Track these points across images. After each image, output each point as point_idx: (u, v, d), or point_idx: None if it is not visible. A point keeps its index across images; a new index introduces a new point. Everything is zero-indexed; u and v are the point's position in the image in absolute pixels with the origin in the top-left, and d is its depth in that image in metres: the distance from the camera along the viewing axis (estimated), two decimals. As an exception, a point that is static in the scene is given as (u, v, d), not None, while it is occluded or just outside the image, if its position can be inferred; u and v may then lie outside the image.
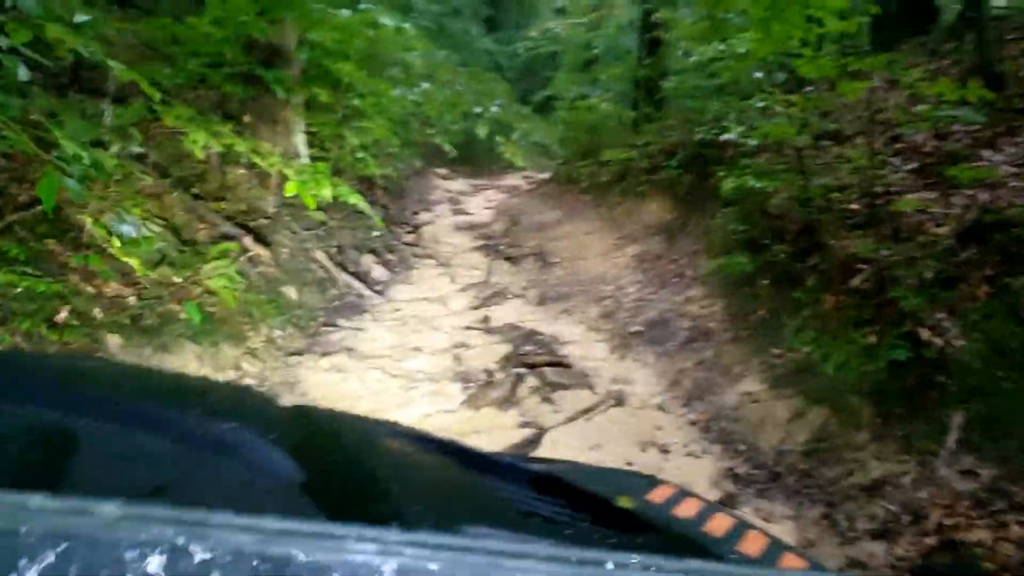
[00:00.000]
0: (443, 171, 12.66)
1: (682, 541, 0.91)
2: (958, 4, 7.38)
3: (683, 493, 1.14)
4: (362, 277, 6.70)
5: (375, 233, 7.49)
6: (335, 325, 5.75)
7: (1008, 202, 4.09)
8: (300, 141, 6.54)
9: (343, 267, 6.61)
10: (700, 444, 4.40)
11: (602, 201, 9.13)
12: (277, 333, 5.23)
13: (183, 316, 4.34)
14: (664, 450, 4.28)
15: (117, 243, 2.90)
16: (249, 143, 4.97)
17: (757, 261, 5.47)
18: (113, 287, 3.96)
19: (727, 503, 3.59)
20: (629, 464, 3.93)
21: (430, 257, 8.12)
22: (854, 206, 5.03)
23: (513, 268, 7.77)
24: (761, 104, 5.93)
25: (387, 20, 5.85)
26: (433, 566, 0.41)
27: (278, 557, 0.38)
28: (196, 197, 5.36)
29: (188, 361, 4.28)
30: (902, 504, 3.15)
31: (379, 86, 7.20)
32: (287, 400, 1.16)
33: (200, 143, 4.11)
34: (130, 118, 3.86)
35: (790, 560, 0.98)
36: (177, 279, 4.55)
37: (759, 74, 6.14)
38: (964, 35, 5.74)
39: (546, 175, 12.36)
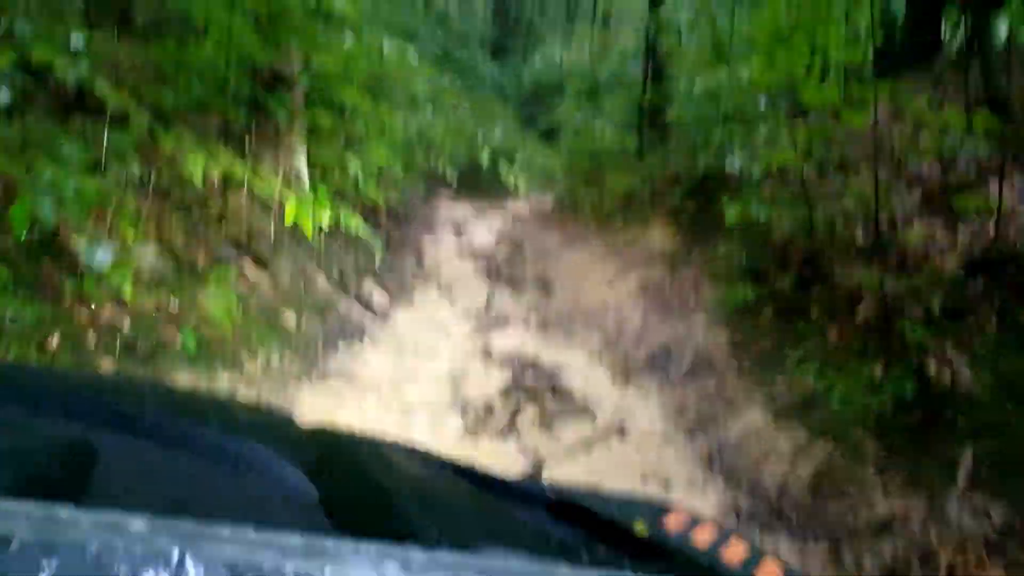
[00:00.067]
0: (447, 196, 12.64)
1: (697, 568, 0.92)
2: (963, 34, 7.37)
3: (698, 519, 1.13)
4: (363, 302, 6.64)
5: (377, 258, 7.45)
6: (334, 351, 5.68)
7: (1017, 233, 4.03)
8: (302, 166, 6.52)
9: (344, 292, 6.55)
10: (702, 477, 4.31)
11: (605, 228, 9.09)
12: (275, 358, 5.16)
13: (178, 341, 4.29)
14: (666, 483, 4.20)
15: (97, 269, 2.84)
16: (249, 168, 4.94)
17: (761, 290, 5.41)
18: (108, 312, 3.91)
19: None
20: (630, 497, 3.84)
21: (432, 283, 8.07)
22: (859, 236, 4.97)
23: (515, 294, 7.72)
24: (765, 132, 5.91)
25: (390, 46, 5.84)
26: None
27: (302, 574, 0.39)
28: (196, 221, 5.33)
29: (182, 387, 4.21)
30: (911, 544, 3.06)
31: (382, 111, 7.20)
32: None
33: (199, 167, 4.08)
34: (128, 141, 3.83)
35: None
36: (174, 304, 4.50)
37: (763, 102, 6.12)
38: (969, 65, 5.71)
39: (549, 201, 12.34)
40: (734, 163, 6.08)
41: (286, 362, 5.22)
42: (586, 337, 6.42)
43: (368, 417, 4.72)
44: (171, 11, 6.18)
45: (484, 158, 9.67)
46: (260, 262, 5.64)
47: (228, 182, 5.49)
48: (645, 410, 5.13)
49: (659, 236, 7.99)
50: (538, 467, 4.24)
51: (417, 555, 0.43)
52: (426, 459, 1.02)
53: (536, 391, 5.19)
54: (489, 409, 4.93)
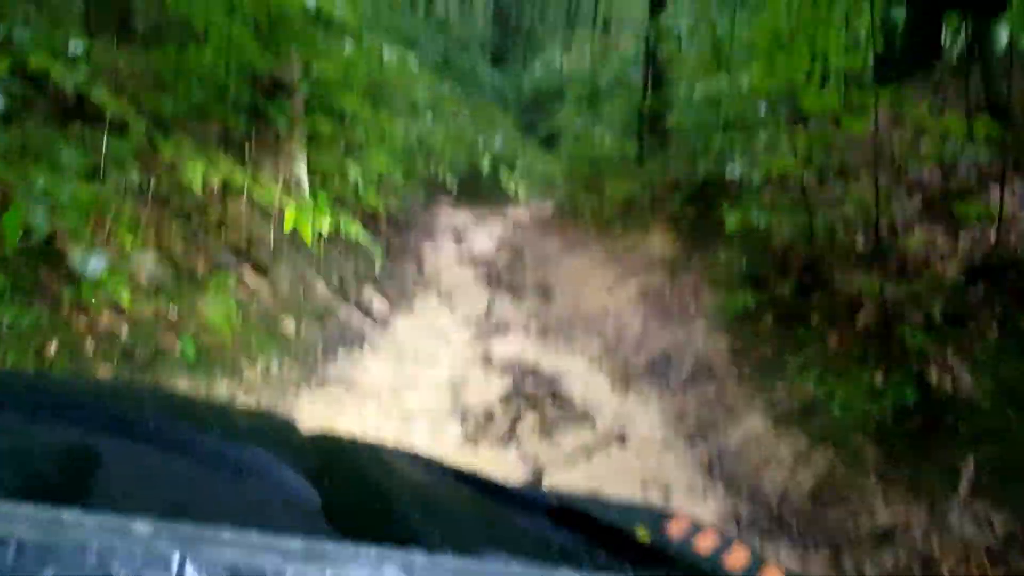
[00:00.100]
0: (447, 203, 12.64)
1: (699, 574, 0.92)
2: (964, 40, 7.37)
3: (700, 526, 1.11)
4: (362, 309, 6.63)
5: (377, 265, 7.44)
6: (334, 358, 5.67)
7: (1018, 239, 4.02)
8: (302, 172, 6.52)
9: (343, 299, 6.54)
10: (703, 484, 4.29)
11: (605, 234, 9.09)
12: (274, 366, 5.15)
13: (177, 349, 4.28)
14: (666, 490, 4.18)
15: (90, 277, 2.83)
16: (249, 175, 4.93)
17: (761, 297, 5.40)
18: (106, 319, 3.90)
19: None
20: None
21: (432, 289, 8.06)
22: (859, 242, 4.96)
23: (515, 301, 7.71)
24: (765, 138, 5.90)
25: (390, 52, 5.85)
26: None
27: None
28: (196, 228, 5.33)
29: (181, 395, 4.20)
30: (912, 552, 3.04)
31: (382, 118, 7.20)
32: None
33: (198, 174, 4.07)
34: (127, 148, 3.83)
35: None
36: (173, 311, 4.49)
37: (763, 108, 6.11)
38: (970, 72, 5.70)
39: (550, 208, 12.34)
40: (734, 169, 6.07)
41: (285, 369, 5.21)
42: (586, 343, 6.41)
43: (368, 424, 4.71)
44: (171, 18, 6.18)
45: (484, 164, 9.66)
46: (260, 269, 5.64)
47: (228, 189, 5.49)
48: (645, 417, 5.11)
49: (659, 242, 7.98)
50: (538, 475, 4.22)
51: (418, 559, 0.43)
52: (427, 465, 1.02)
53: (536, 398, 5.18)
54: (489, 416, 4.91)
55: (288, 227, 4.78)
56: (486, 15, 24.11)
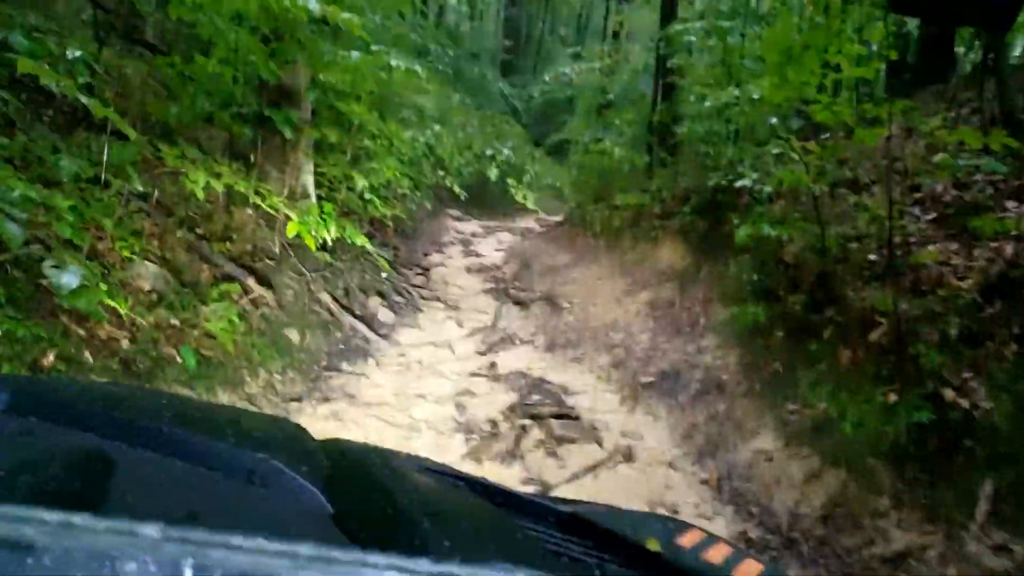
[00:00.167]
0: (456, 213, 12.61)
1: None
2: (975, 53, 7.28)
3: (712, 538, 1.12)
4: (368, 320, 6.57)
5: (383, 275, 7.39)
6: (338, 370, 5.61)
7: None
8: (309, 182, 6.48)
9: (349, 310, 6.49)
10: (711, 504, 4.21)
11: (614, 246, 9.01)
12: (277, 378, 5.09)
13: (178, 360, 4.22)
14: (673, 510, 4.09)
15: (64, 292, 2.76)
16: (252, 184, 4.89)
17: (772, 311, 5.30)
18: (106, 330, 3.85)
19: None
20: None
21: (438, 300, 8.00)
22: (872, 257, 4.87)
23: (522, 313, 7.63)
24: (776, 150, 5.81)
25: (398, 62, 5.80)
26: None
27: None
28: (200, 237, 5.28)
29: (181, 407, 4.13)
30: (928, 579, 2.94)
31: (390, 128, 7.15)
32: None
33: (200, 183, 4.02)
34: (129, 156, 3.78)
35: None
36: (175, 321, 4.44)
37: (774, 120, 6.04)
38: (984, 83, 5.61)
39: (558, 218, 12.29)
40: (745, 181, 5.98)
41: (288, 381, 5.15)
42: (594, 357, 6.32)
43: (369, 438, 4.64)
44: (180, 27, 6.16)
45: (493, 174, 9.60)
46: (264, 279, 5.58)
47: (233, 198, 5.45)
48: (653, 433, 5.03)
49: (668, 254, 7.90)
50: (542, 494, 4.14)
51: (429, 567, 0.43)
52: (439, 473, 1.02)
53: (542, 414, 5.10)
54: (493, 431, 4.84)
55: (290, 235, 4.72)
56: (497, 25, 24.15)
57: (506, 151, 9.67)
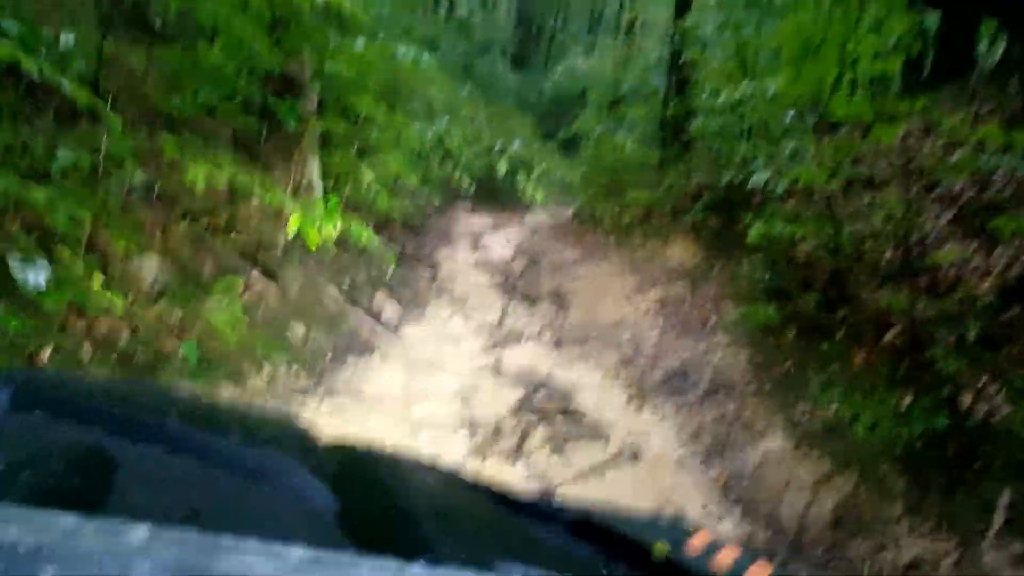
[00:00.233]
0: (465, 208, 12.50)
1: None
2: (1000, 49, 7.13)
3: (722, 542, 1.07)
4: (374, 315, 6.50)
5: (390, 269, 7.32)
6: (343, 365, 5.55)
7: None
8: (315, 175, 6.40)
9: (355, 304, 6.42)
10: (719, 506, 4.13)
11: (624, 242, 8.91)
12: (280, 372, 5.03)
13: (180, 354, 4.17)
14: (680, 512, 4.01)
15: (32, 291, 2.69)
16: (254, 176, 4.82)
17: (783, 311, 5.21)
18: (106, 323, 3.79)
19: None
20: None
21: (445, 295, 7.92)
22: (887, 256, 4.77)
23: (530, 309, 7.55)
24: (791, 147, 5.70)
25: (405, 51, 5.70)
26: None
27: None
28: (204, 230, 5.22)
29: (182, 402, 4.08)
30: (942, 591, 2.86)
31: (397, 120, 7.07)
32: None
33: (200, 175, 3.96)
34: (127, 147, 3.71)
35: None
36: (176, 315, 4.38)
37: (789, 116, 5.92)
38: (1006, 80, 5.49)
39: (568, 214, 12.19)
40: (758, 178, 5.88)
41: (292, 376, 5.09)
42: (601, 355, 6.24)
43: (373, 435, 4.58)
44: (187, 16, 6.09)
45: (502, 169, 9.51)
46: (268, 273, 5.53)
47: (237, 191, 5.38)
48: (660, 433, 4.95)
49: (679, 252, 7.80)
50: (547, 494, 4.06)
51: (430, 572, 0.43)
52: (446, 475, 1.03)
53: (548, 411, 5.03)
54: (498, 429, 4.77)
55: (292, 229, 4.65)
56: (508, 17, 24.02)
57: (516, 145, 9.58)
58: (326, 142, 6.66)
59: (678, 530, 1.11)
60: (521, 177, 9.28)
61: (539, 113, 17.92)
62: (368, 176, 6.70)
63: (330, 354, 5.63)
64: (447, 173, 9.24)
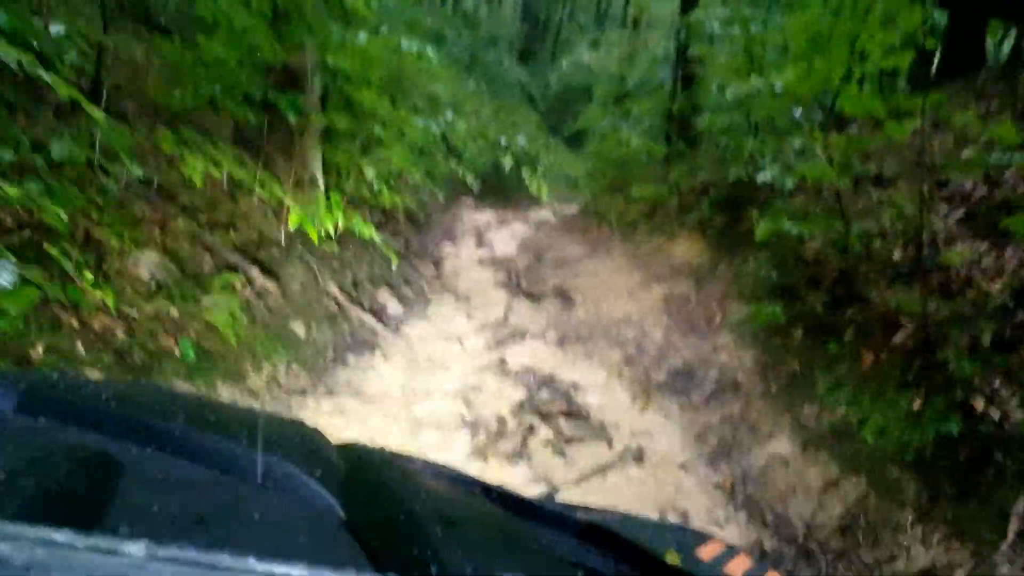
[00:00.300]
0: (469, 203, 12.44)
1: None
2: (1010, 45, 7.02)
3: (733, 551, 1.10)
4: (376, 312, 6.44)
5: (393, 266, 7.25)
6: (344, 363, 5.49)
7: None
8: (317, 170, 6.33)
9: (357, 301, 6.35)
10: (724, 510, 4.06)
11: (629, 239, 8.83)
12: (281, 370, 4.97)
13: (177, 353, 4.11)
14: (684, 515, 3.94)
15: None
16: (254, 171, 4.75)
17: (791, 310, 5.13)
18: (101, 321, 3.73)
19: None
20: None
21: (449, 292, 7.86)
22: (896, 255, 4.68)
23: (534, 306, 7.49)
24: (799, 143, 5.61)
25: (409, 44, 5.61)
26: None
27: None
28: (203, 226, 5.15)
29: (179, 401, 4.02)
30: (954, 602, 2.78)
31: (401, 115, 6.99)
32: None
33: (198, 169, 3.88)
34: (124, 141, 3.64)
35: None
36: (174, 312, 4.32)
37: (797, 112, 5.82)
38: (1016, 78, 5.38)
39: (573, 209, 12.11)
40: (766, 174, 5.78)
41: (292, 375, 5.03)
42: (605, 353, 6.17)
43: (374, 434, 4.52)
44: (190, 8, 6.01)
45: (507, 164, 9.42)
46: (269, 269, 5.46)
47: (237, 186, 5.32)
48: (664, 434, 4.88)
49: (685, 248, 7.72)
50: (550, 496, 4.00)
51: None
52: (455, 480, 1.02)
53: (550, 411, 4.96)
54: (500, 429, 4.70)
55: (292, 225, 4.58)
56: (514, 11, 23.91)
57: (521, 140, 9.48)
58: (328, 137, 6.59)
59: (689, 539, 1.15)
60: (526, 172, 9.18)
61: (545, 108, 17.84)
62: (371, 171, 6.62)
63: (331, 353, 5.57)
64: (451, 168, 9.14)
